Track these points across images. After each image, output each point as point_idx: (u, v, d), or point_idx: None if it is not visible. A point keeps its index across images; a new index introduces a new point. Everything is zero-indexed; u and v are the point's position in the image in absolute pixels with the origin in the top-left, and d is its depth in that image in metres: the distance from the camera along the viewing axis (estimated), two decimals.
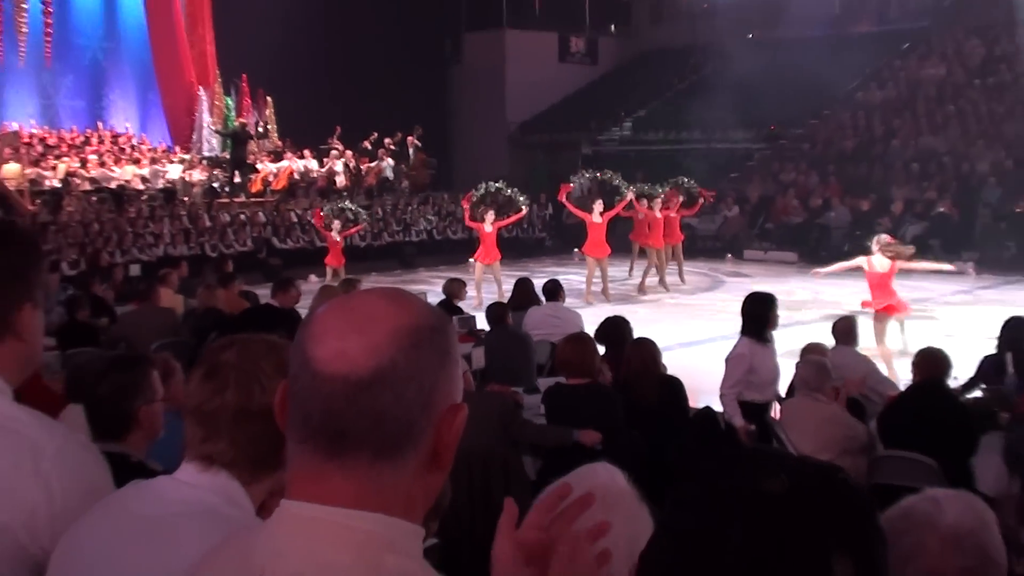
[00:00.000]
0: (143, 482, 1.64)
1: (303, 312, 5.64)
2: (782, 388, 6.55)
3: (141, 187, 21.80)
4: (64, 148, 22.93)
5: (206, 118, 25.04)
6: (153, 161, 23.12)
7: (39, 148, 22.35)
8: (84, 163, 21.92)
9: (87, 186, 21.23)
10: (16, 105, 24.21)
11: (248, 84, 25.21)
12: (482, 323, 8.47)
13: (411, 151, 25.58)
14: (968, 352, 7.69)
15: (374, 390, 1.04)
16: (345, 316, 1.09)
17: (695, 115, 25.31)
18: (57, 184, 20.74)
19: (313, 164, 24.21)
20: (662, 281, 16.77)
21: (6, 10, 22.40)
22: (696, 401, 6.28)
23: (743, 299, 6.55)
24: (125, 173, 22.07)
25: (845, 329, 7.19)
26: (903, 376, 7.38)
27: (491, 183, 18.62)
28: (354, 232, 19.02)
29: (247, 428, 1.54)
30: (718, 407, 6.32)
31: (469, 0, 30.72)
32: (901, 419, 5.42)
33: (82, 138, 24.04)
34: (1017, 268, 18.14)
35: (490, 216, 15.96)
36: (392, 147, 25.00)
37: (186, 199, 21.50)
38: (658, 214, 16.56)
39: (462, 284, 10.29)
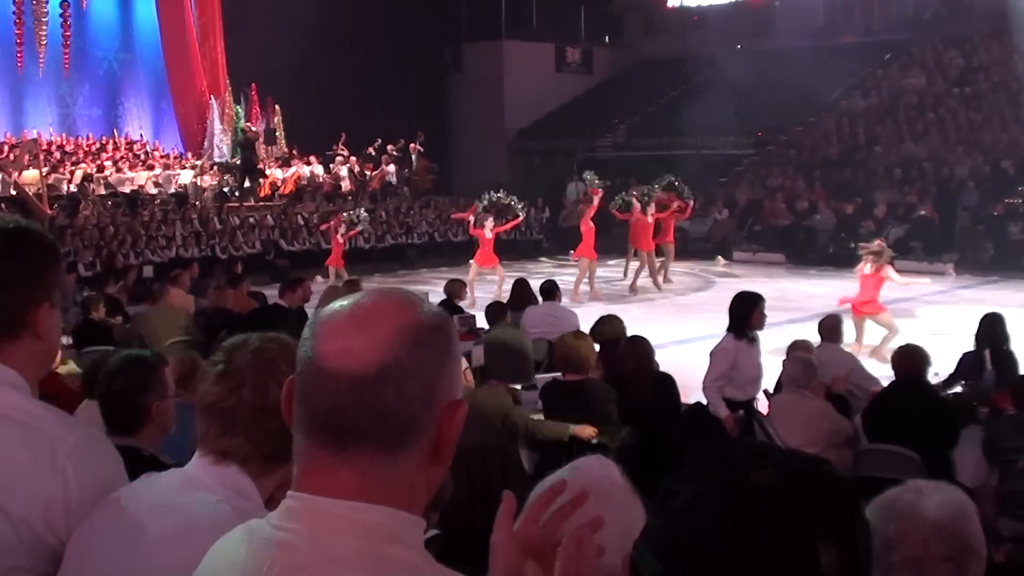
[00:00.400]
0: (156, 475, 1.66)
1: (310, 311, 5.66)
2: (769, 385, 6.62)
3: (154, 192, 22.00)
4: (81, 155, 23.25)
5: (217, 126, 25.17)
6: (166, 167, 23.33)
7: (57, 155, 22.60)
8: (100, 169, 22.27)
9: (103, 191, 21.53)
10: (36, 114, 24.53)
11: (257, 93, 25.44)
12: (482, 323, 8.55)
13: (413, 157, 25.79)
14: (948, 349, 7.80)
15: (378, 386, 1.06)
16: (350, 315, 1.09)
17: (686, 122, 25.54)
18: (74, 189, 20.96)
19: (319, 169, 24.35)
20: (655, 282, 17.11)
21: (27, 24, 22.71)
22: (687, 397, 6.32)
23: (731, 298, 6.58)
24: (139, 178, 22.35)
25: (830, 327, 7.31)
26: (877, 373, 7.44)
27: (492, 193, 18.67)
28: (353, 235, 19.29)
29: (263, 424, 1.55)
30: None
31: (469, 12, 30.93)
32: (885, 414, 5.49)
33: (98, 145, 24.38)
34: (995, 269, 18.40)
35: (490, 222, 16.34)
36: (395, 153, 25.19)
37: (197, 203, 21.62)
38: (649, 219, 17.01)
39: (462, 284, 10.45)
